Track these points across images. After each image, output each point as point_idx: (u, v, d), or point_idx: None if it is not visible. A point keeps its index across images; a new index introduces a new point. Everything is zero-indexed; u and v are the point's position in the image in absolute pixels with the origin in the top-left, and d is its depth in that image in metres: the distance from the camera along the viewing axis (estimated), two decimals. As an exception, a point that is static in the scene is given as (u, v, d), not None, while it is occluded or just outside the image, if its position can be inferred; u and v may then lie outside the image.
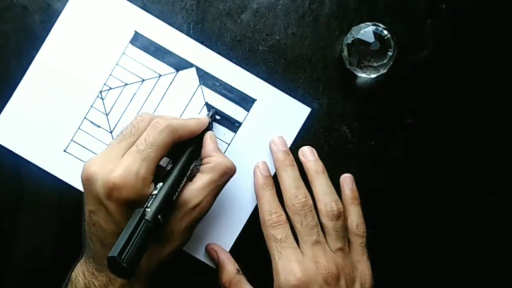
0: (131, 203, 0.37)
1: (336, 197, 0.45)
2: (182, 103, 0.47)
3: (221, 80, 0.47)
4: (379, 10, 0.47)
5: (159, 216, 0.36)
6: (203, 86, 0.47)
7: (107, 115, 0.47)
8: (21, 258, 0.47)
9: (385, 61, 0.44)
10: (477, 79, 0.47)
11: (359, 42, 0.44)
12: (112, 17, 0.46)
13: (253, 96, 0.47)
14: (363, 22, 0.45)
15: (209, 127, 0.45)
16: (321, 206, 0.45)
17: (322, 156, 0.46)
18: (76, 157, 0.47)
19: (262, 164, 0.46)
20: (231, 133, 0.47)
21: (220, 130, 0.47)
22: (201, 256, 0.47)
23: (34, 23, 0.47)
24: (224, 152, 0.47)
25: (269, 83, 0.47)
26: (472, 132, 0.48)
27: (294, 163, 0.46)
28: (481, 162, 0.48)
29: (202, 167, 0.41)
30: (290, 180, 0.45)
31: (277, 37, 0.47)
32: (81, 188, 0.43)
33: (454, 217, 0.48)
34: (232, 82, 0.47)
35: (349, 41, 0.45)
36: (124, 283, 0.39)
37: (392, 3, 0.47)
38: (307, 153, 0.46)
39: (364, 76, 0.46)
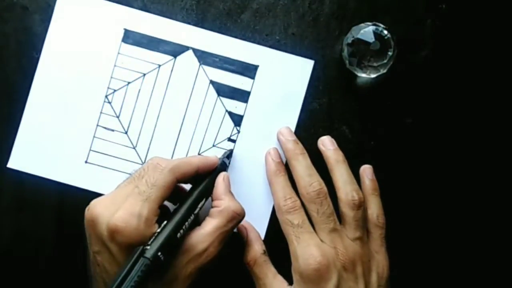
0: (134, 245, 0.36)
1: (357, 186, 0.45)
2: (187, 86, 0.47)
3: (219, 55, 0.47)
4: (379, 10, 0.47)
5: (159, 254, 0.35)
6: (203, 66, 0.47)
7: (118, 117, 0.47)
8: (21, 258, 0.47)
9: (385, 61, 0.44)
10: (477, 79, 0.47)
11: (359, 42, 0.44)
12: (99, 20, 0.46)
13: (255, 63, 0.47)
14: (363, 22, 0.45)
15: (224, 168, 0.44)
16: (341, 195, 0.44)
17: (323, 156, 0.46)
18: (98, 165, 0.47)
19: (273, 150, 0.46)
20: (242, 104, 0.47)
21: (231, 104, 0.47)
22: None
23: (34, 23, 0.47)
24: (240, 124, 0.47)
25: (269, 83, 0.47)
26: (472, 131, 0.48)
27: (305, 151, 0.45)
28: (482, 161, 0.48)
29: (211, 211, 0.41)
30: (302, 168, 0.45)
31: (277, 37, 0.47)
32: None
33: (454, 216, 0.48)
34: (231, 55, 0.47)
35: (349, 41, 0.45)
36: None
37: (392, 3, 0.47)
38: (327, 142, 0.46)
39: (364, 76, 0.46)
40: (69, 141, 0.47)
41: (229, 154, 0.46)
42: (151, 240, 0.36)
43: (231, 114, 0.47)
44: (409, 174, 0.48)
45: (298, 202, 0.44)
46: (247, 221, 0.46)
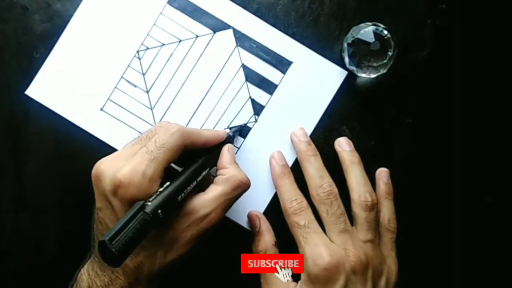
0: (136, 202, 0.37)
1: (371, 188, 0.45)
2: (219, 64, 0.47)
3: (258, 42, 0.47)
4: (379, 10, 0.47)
5: (159, 211, 0.35)
6: (239, 48, 0.47)
7: (143, 74, 0.47)
8: (21, 258, 0.47)
9: (385, 61, 0.44)
10: (477, 79, 0.47)
11: (359, 42, 0.44)
12: None
13: (290, 59, 0.47)
14: (363, 22, 0.45)
15: (230, 141, 0.45)
16: (355, 196, 0.44)
17: (323, 156, 0.46)
18: (112, 116, 0.47)
19: (277, 154, 0.46)
20: (267, 95, 0.47)
21: (256, 92, 0.47)
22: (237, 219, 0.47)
23: (34, 23, 0.47)
24: (259, 114, 0.47)
25: (269, 83, 0.47)
26: (472, 132, 0.48)
27: (317, 152, 0.46)
28: (481, 162, 0.48)
29: (216, 179, 0.41)
30: (314, 169, 0.45)
31: (277, 37, 0.47)
32: (116, 146, 0.46)
33: (454, 217, 0.48)
34: (269, 44, 0.47)
35: (349, 41, 0.45)
36: (124, 285, 0.39)
37: (392, 3, 0.47)
38: (344, 144, 0.46)
39: (364, 76, 0.46)
40: (91, 84, 0.47)
41: (237, 130, 0.46)
42: (153, 198, 0.36)
43: (253, 102, 0.47)
44: (409, 174, 0.48)
45: (304, 202, 0.44)
46: (260, 212, 0.46)
